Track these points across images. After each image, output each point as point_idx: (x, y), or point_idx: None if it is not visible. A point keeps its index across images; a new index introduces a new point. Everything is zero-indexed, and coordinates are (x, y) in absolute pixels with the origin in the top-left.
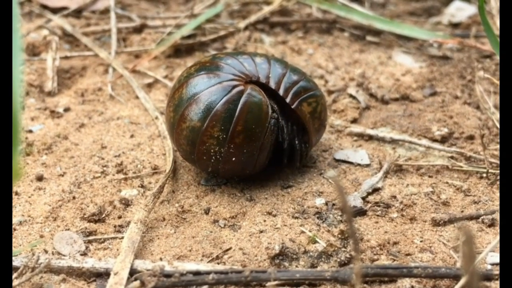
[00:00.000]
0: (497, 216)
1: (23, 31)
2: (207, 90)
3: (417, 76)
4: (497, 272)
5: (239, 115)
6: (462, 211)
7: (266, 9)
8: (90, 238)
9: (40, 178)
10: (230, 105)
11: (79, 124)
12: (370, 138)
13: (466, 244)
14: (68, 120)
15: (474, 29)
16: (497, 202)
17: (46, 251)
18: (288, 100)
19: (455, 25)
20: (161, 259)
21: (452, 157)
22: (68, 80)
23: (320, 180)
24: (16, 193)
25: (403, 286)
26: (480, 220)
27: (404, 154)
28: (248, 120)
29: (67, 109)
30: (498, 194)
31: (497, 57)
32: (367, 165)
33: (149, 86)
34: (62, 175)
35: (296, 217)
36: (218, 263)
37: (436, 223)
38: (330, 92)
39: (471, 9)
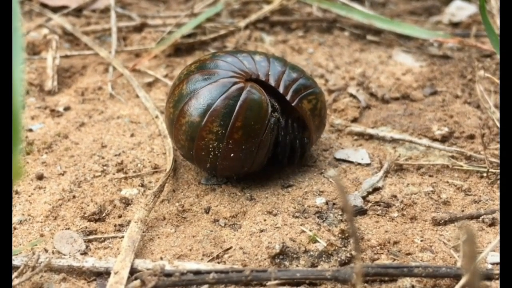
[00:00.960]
0: (497, 215)
1: (24, 30)
2: (207, 87)
3: (417, 76)
4: (498, 271)
5: (239, 110)
6: (463, 211)
7: (267, 8)
8: (90, 237)
9: (40, 177)
10: (230, 100)
11: (79, 123)
12: (371, 137)
13: (467, 243)
14: (68, 119)
15: (475, 28)
16: (498, 202)
17: (46, 250)
18: (288, 97)
19: (455, 25)
20: (161, 258)
21: (452, 157)
22: (68, 79)
23: (320, 179)
24: (16, 192)
25: (404, 286)
26: (480, 219)
27: (405, 154)
28: (247, 117)
29: (67, 108)
30: (498, 194)
31: (498, 57)
32: (368, 165)
33: (149, 85)
34: (62, 174)
35: (297, 217)
36: (218, 263)
37: (436, 222)
38: (330, 91)
39: (471, 9)
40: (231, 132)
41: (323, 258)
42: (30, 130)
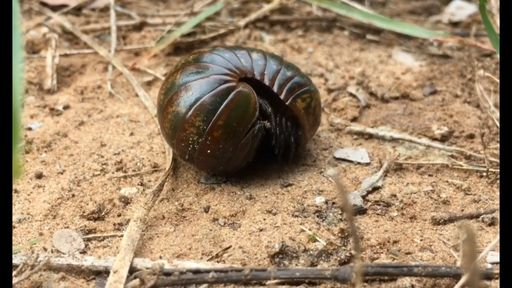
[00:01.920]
0: (497, 215)
1: (23, 28)
2: (198, 80)
3: (417, 75)
4: (498, 271)
5: (224, 109)
6: (462, 210)
7: (266, 7)
8: (90, 236)
9: (39, 176)
10: (217, 98)
11: (79, 122)
12: (370, 136)
13: (467, 242)
14: (67, 118)
15: (474, 27)
16: (497, 201)
17: (45, 249)
18: (282, 96)
19: (455, 24)
20: (160, 257)
21: (452, 156)
22: (68, 78)
23: (320, 178)
24: (16, 191)
25: (403, 285)
26: (480, 219)
27: (404, 153)
28: (230, 117)
29: (66, 107)
30: (498, 193)
31: (497, 56)
32: (367, 164)
33: (149, 84)
34: (62, 173)
35: (296, 216)
36: (218, 262)
37: (436, 222)
38: (330, 91)
39: (471, 8)
40: (212, 129)
41: (322, 257)
42: (30, 128)
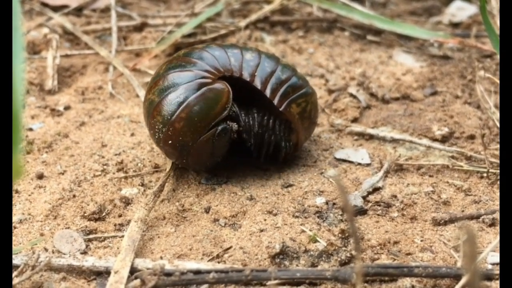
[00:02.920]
0: (497, 215)
1: (24, 29)
2: (177, 73)
3: (417, 76)
4: (498, 272)
5: (189, 102)
6: (463, 211)
7: (267, 8)
8: (90, 236)
9: (40, 176)
10: (187, 91)
11: (80, 122)
12: (371, 137)
13: (467, 243)
14: (68, 118)
15: (475, 28)
16: (498, 202)
17: (46, 250)
18: (275, 102)
19: (455, 25)
20: (161, 257)
21: (452, 157)
22: (69, 79)
23: (320, 179)
24: (17, 191)
25: (404, 286)
26: (480, 219)
27: (405, 154)
28: (193, 111)
29: (67, 108)
30: (498, 194)
31: (498, 57)
32: (368, 165)
33: None
34: (63, 174)
35: (297, 216)
36: (218, 262)
37: (436, 222)
38: (330, 92)
39: (471, 9)
40: (175, 120)
41: (323, 258)
42: (30, 129)
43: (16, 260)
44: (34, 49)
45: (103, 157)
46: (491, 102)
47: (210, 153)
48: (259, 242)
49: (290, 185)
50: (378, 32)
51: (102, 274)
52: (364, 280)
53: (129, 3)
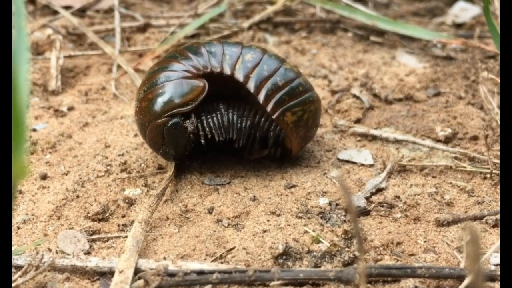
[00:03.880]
0: None
1: (27, 30)
2: (169, 62)
3: (420, 77)
4: None
5: (157, 86)
6: (466, 212)
7: (270, 9)
8: (94, 237)
9: (44, 177)
10: (164, 77)
11: (83, 123)
12: (374, 138)
13: (471, 244)
14: (72, 119)
15: (478, 29)
16: None
17: (50, 250)
18: (268, 109)
19: (458, 26)
20: (164, 258)
21: (456, 158)
22: (72, 79)
23: (323, 180)
24: (20, 192)
25: (407, 286)
26: (484, 220)
27: (408, 155)
28: (156, 96)
29: (70, 108)
30: None
31: None
32: (371, 165)
33: None
34: (66, 174)
35: (300, 217)
36: (221, 263)
37: (439, 223)
38: (333, 92)
39: (474, 10)
40: (142, 98)
41: (326, 259)
42: (34, 130)
43: (19, 260)
44: (37, 50)
45: (106, 157)
46: (494, 103)
47: (161, 141)
48: (262, 243)
49: (293, 186)
50: (381, 33)
51: (106, 274)
52: (367, 280)
53: (133, 3)
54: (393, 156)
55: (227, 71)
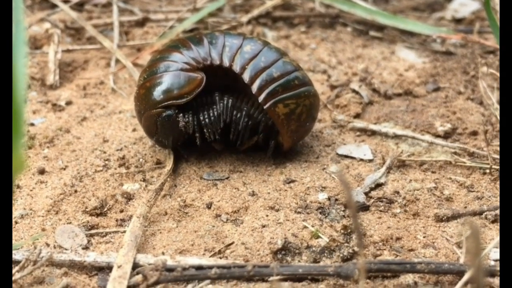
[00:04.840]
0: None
1: (25, 24)
2: (170, 52)
3: (420, 72)
4: None
5: (156, 75)
6: (465, 207)
7: (269, 4)
8: (92, 231)
9: (41, 172)
10: (161, 66)
11: (81, 117)
12: (373, 133)
13: (471, 239)
14: (70, 113)
15: (478, 24)
16: None
17: (48, 245)
18: (260, 99)
19: (458, 21)
20: (163, 253)
21: (455, 153)
22: (70, 74)
23: (323, 175)
24: (18, 186)
25: (406, 282)
26: (483, 216)
27: (407, 150)
28: (154, 85)
29: (69, 103)
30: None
31: None
32: (370, 161)
33: None
34: (64, 169)
35: (299, 212)
36: (220, 258)
37: (439, 218)
38: (332, 87)
39: (474, 5)
40: (141, 85)
41: (325, 254)
42: (32, 124)
43: (17, 255)
44: (35, 44)
45: (104, 152)
46: (494, 98)
47: (155, 130)
48: (261, 238)
49: (292, 181)
50: (380, 27)
51: (104, 269)
52: (366, 276)
53: None
54: (392, 151)
55: (226, 63)
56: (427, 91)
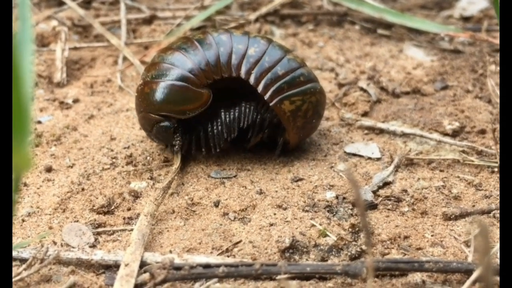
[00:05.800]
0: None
1: (33, 21)
2: (176, 54)
3: (428, 70)
4: None
5: (164, 81)
6: (474, 206)
7: (277, 1)
8: (99, 230)
9: (49, 170)
10: (171, 73)
11: (88, 115)
12: (381, 131)
13: (480, 237)
14: (77, 111)
15: (486, 23)
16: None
17: (55, 243)
18: (266, 97)
19: (466, 19)
20: (170, 251)
21: (463, 151)
22: (77, 71)
23: (330, 173)
24: (25, 184)
25: (414, 280)
26: (491, 214)
27: (415, 148)
28: (160, 91)
29: (76, 100)
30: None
31: None
32: (378, 159)
33: None
34: (71, 167)
35: (307, 211)
36: (228, 256)
37: (447, 217)
38: (340, 85)
39: (482, 3)
40: (147, 83)
41: (333, 252)
42: (39, 122)
43: (24, 253)
44: (42, 42)
45: (112, 150)
46: None
47: (150, 130)
48: (268, 236)
49: (300, 179)
50: (388, 25)
51: (111, 267)
52: (374, 274)
53: None
54: (400, 149)
55: (234, 73)
56: (435, 90)
